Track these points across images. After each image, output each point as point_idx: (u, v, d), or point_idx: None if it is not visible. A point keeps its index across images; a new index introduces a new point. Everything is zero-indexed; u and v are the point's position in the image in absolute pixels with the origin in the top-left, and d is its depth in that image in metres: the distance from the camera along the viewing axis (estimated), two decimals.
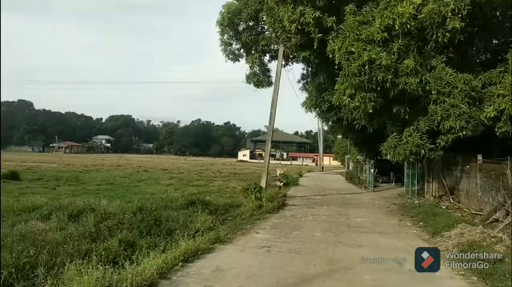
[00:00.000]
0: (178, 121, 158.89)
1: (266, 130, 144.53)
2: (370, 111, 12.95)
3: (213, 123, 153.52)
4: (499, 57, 15.70)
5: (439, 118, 12.41)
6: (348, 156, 43.63)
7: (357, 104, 12.79)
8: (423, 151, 13.14)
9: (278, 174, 33.73)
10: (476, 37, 15.28)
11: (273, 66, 19.99)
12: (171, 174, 32.75)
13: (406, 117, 13.39)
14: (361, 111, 13.75)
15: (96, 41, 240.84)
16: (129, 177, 28.35)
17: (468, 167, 14.56)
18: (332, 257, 7.36)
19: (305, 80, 20.78)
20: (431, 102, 12.73)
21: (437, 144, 13.06)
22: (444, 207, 14.25)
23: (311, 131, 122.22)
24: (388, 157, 14.49)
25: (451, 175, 16.68)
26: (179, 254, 6.47)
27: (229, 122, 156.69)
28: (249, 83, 20.43)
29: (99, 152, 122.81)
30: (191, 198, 13.50)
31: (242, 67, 20.14)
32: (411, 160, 13.79)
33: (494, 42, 16.09)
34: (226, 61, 20.31)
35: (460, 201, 15.28)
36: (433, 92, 12.44)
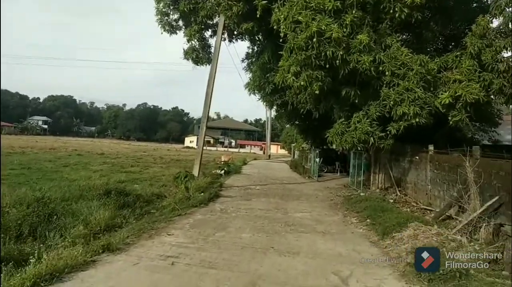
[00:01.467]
0: (124, 105, 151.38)
1: (216, 116, 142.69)
2: (317, 92, 11.31)
3: (161, 108, 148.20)
4: (453, 44, 14.84)
5: (392, 102, 11.06)
6: (294, 144, 42.28)
7: (302, 83, 11.09)
8: (372, 139, 11.81)
9: (222, 161, 32.42)
10: (432, 20, 14.20)
11: (214, 42, 17.87)
12: (106, 159, 30.06)
13: (356, 100, 11.92)
14: (306, 93, 12.16)
15: (41, 18, 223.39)
16: (56, 161, 25.16)
17: (417, 157, 13.48)
18: (256, 272, 5.52)
19: (249, 60, 18.83)
20: (384, 85, 11.36)
21: (388, 132, 11.78)
22: (391, 200, 13.05)
23: (260, 119, 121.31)
24: (334, 145, 13.03)
25: (399, 166, 15.67)
26: (26, 277, 4.34)
27: (177, 107, 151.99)
28: (187, 59, 18.15)
29: (34, 133, 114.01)
30: (107, 187, 11.26)
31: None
32: (359, 149, 12.42)
33: (449, 27, 15.16)
34: (161, 33, 17.85)
35: (407, 194, 14.25)
36: (387, 73, 11.02)
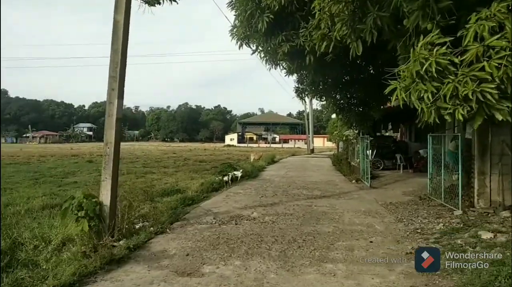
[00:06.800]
0: (168, 107, 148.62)
1: (259, 112, 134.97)
2: None
3: (203, 107, 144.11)
4: None
5: None
6: (336, 132, 32.60)
7: None
8: None
9: (252, 160, 25.95)
10: None
11: None
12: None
13: None
14: None
15: (81, 27, 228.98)
16: (44, 172, 18.82)
17: None
18: None
19: None
20: None
21: None
22: None
23: (303, 111, 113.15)
24: (420, 116, 4.93)
25: None
26: None
27: (219, 105, 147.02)
28: None
29: (79, 141, 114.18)
30: None
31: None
32: (504, 120, 4.01)
33: None
34: None
35: None
36: None
